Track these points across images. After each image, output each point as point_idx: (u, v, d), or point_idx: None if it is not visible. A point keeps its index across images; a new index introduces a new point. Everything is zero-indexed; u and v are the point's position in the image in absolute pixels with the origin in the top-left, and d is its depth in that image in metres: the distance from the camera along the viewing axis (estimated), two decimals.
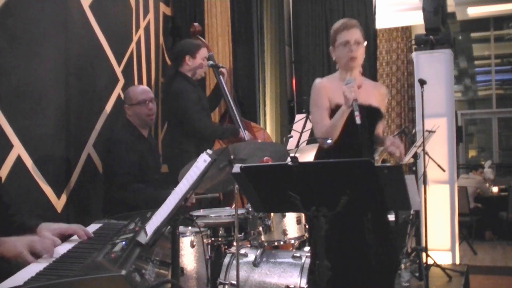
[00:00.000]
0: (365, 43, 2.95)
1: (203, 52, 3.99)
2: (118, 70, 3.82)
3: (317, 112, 2.92)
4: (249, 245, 3.11)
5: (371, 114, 2.93)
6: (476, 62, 12.21)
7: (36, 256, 1.69)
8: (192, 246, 2.67)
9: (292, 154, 2.36)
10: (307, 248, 3.14)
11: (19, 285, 1.39)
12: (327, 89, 2.90)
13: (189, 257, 2.66)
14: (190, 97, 3.83)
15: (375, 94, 2.99)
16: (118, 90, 3.81)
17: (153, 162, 3.46)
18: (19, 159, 2.88)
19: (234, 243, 2.79)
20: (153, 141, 3.73)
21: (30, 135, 2.96)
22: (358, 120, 2.59)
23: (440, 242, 5.26)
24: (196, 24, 4.46)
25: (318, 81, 2.97)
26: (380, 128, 3.04)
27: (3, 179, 2.74)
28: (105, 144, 3.45)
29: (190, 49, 3.94)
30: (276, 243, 3.13)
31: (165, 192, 3.10)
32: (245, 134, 4.11)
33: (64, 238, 1.98)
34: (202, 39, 4.49)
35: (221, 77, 4.26)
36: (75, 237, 2.00)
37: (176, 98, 3.80)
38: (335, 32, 2.92)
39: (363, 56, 2.95)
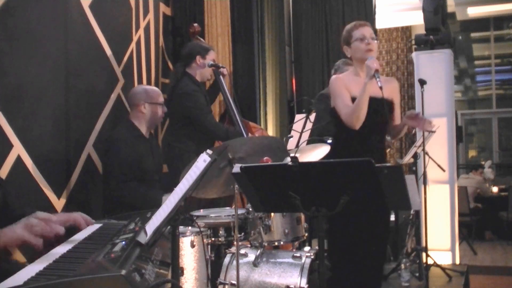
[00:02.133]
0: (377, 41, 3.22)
1: (212, 55, 4.11)
2: (118, 70, 3.82)
3: (339, 100, 3.15)
4: (249, 245, 3.10)
5: (385, 106, 3.14)
6: (476, 62, 12.21)
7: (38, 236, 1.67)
8: (192, 246, 2.66)
9: (292, 154, 2.36)
10: (307, 248, 3.14)
11: (19, 285, 1.39)
12: (344, 81, 3.17)
13: (189, 257, 2.65)
14: (199, 98, 3.91)
15: (387, 88, 3.17)
16: (118, 90, 3.81)
17: (152, 163, 3.46)
18: (19, 159, 2.88)
19: (234, 243, 2.79)
20: (155, 141, 3.73)
21: (30, 135, 2.96)
22: (379, 83, 2.87)
23: (440, 242, 5.26)
24: (195, 24, 4.46)
25: (334, 76, 3.28)
26: (396, 119, 3.30)
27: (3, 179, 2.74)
28: (104, 144, 3.46)
29: (202, 51, 4.06)
30: (276, 243, 3.12)
31: (157, 192, 3.13)
32: (245, 135, 4.11)
33: (66, 229, 1.97)
34: (202, 39, 4.49)
35: (221, 77, 4.27)
36: (75, 237, 1.99)
37: (185, 98, 3.85)
38: (349, 30, 3.20)
39: (377, 52, 3.21)
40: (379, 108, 3.11)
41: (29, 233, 1.65)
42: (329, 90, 3.28)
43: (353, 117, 3.06)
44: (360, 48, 3.14)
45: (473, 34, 11.49)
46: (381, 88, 2.88)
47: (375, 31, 7.12)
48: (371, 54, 3.09)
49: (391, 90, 3.26)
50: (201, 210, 3.35)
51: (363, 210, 2.65)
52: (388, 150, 4.83)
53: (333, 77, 3.29)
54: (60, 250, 1.76)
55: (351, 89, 3.13)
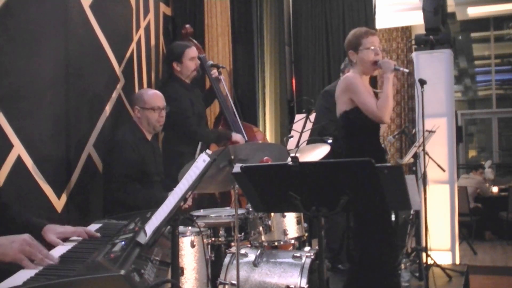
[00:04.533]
0: None
1: (189, 53, 4.01)
2: (118, 70, 3.82)
3: (363, 96, 3.12)
4: (249, 245, 3.11)
5: None
6: (476, 62, 12.21)
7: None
8: (192, 246, 2.67)
9: (292, 154, 2.37)
10: (307, 248, 3.14)
11: (19, 285, 1.39)
12: (360, 80, 3.17)
13: (189, 257, 2.66)
14: (181, 102, 3.87)
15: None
16: (118, 90, 3.81)
17: (154, 165, 3.46)
18: (19, 159, 2.88)
19: (234, 243, 2.79)
20: (156, 144, 3.73)
21: (30, 135, 2.96)
22: (405, 70, 3.22)
23: (440, 242, 5.26)
24: (187, 26, 4.44)
25: (351, 74, 3.22)
26: None
27: (3, 179, 2.74)
28: (107, 144, 3.45)
29: (176, 55, 4.00)
30: (276, 243, 3.13)
31: (162, 195, 3.12)
32: (244, 134, 4.11)
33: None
34: (195, 41, 4.47)
35: (221, 77, 4.26)
36: (75, 236, 1.99)
37: (170, 103, 3.82)
38: (359, 37, 3.18)
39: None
40: None
41: (22, 257, 1.62)
42: (347, 87, 3.17)
43: (385, 110, 3.08)
44: (369, 57, 3.14)
45: (473, 34, 11.49)
46: (408, 73, 3.29)
47: (375, 31, 7.12)
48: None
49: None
50: (201, 210, 3.36)
51: (363, 210, 2.66)
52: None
53: (351, 74, 3.21)
54: (60, 250, 1.76)
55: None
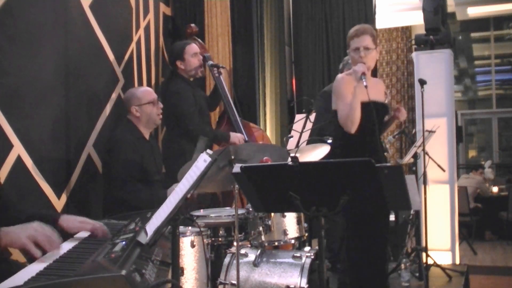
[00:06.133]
0: (378, 48, 3.26)
1: (190, 50, 4.00)
2: (118, 70, 3.82)
3: (341, 103, 3.18)
4: (249, 245, 3.11)
5: (381, 109, 3.26)
6: (476, 62, 12.21)
7: (40, 248, 1.69)
8: (192, 246, 2.67)
9: (292, 154, 2.36)
10: (307, 248, 3.14)
11: (19, 285, 1.39)
12: (349, 82, 3.15)
13: (189, 257, 2.65)
14: (186, 98, 3.87)
15: (380, 90, 3.33)
16: (118, 90, 3.81)
17: (153, 164, 3.45)
18: (19, 159, 2.88)
19: (234, 243, 2.79)
20: (155, 142, 3.73)
21: (30, 135, 2.96)
22: (364, 83, 2.96)
23: (440, 242, 5.26)
24: (193, 25, 4.44)
25: (340, 76, 3.29)
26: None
27: (3, 179, 2.74)
28: (105, 145, 3.45)
29: (178, 53, 4.00)
30: (276, 243, 3.12)
31: (162, 193, 3.12)
32: (245, 134, 4.12)
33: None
34: (199, 40, 4.47)
35: (221, 77, 4.26)
36: (77, 235, 2.00)
37: (173, 98, 3.82)
38: (349, 38, 3.26)
39: (375, 59, 3.26)
40: (379, 111, 3.20)
41: (32, 244, 1.66)
42: (333, 89, 3.28)
43: (347, 120, 3.10)
44: (354, 59, 3.20)
45: (473, 34, 11.49)
46: (366, 87, 2.96)
47: (375, 31, 7.12)
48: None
49: (382, 91, 3.37)
50: (201, 210, 3.36)
51: (363, 210, 2.66)
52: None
53: (339, 76, 3.28)
54: (60, 249, 1.76)
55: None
